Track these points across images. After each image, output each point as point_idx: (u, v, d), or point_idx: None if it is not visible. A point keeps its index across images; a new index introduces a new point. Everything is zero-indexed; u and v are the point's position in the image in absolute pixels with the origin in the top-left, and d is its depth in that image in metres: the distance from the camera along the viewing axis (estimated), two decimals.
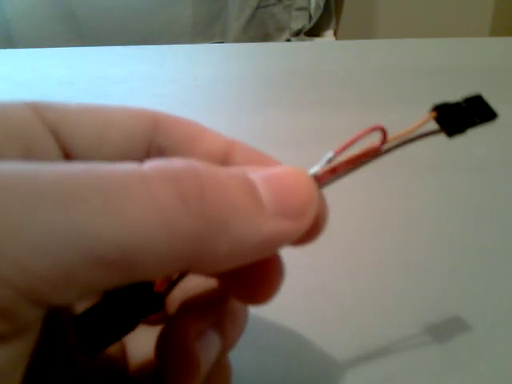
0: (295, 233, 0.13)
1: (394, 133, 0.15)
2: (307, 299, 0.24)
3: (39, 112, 0.15)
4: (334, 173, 0.14)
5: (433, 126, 0.15)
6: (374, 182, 0.32)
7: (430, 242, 0.28)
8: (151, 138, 0.17)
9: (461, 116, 0.14)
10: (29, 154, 0.15)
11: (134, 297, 0.14)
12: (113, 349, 0.17)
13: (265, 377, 0.20)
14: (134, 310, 0.14)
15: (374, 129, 0.14)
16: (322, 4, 1.49)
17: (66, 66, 0.52)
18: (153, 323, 0.18)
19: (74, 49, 0.59)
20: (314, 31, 1.55)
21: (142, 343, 0.18)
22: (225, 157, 0.17)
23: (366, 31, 1.62)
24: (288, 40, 1.50)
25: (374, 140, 0.15)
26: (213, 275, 0.17)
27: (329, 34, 1.57)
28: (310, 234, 0.15)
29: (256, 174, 0.13)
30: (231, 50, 0.62)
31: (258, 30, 1.47)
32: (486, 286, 0.25)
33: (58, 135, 0.15)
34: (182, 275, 0.15)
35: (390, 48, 0.55)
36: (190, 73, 0.50)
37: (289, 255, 0.22)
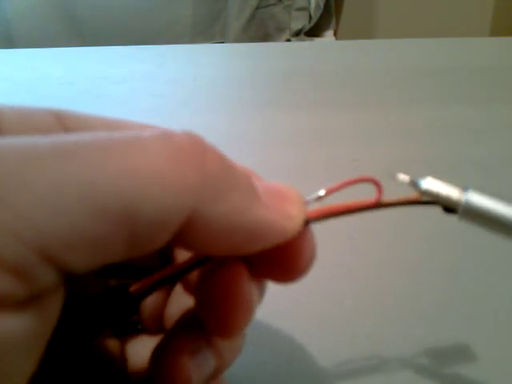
0: (285, 230, 0.14)
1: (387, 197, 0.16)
2: (307, 299, 0.24)
3: (61, 120, 0.16)
4: (323, 213, 0.15)
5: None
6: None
7: (430, 242, 0.28)
8: None
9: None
10: None
11: (108, 299, 0.14)
12: (112, 352, 0.17)
13: (265, 377, 0.20)
14: (106, 313, 0.14)
15: (368, 180, 0.16)
16: (321, 4, 1.49)
17: (66, 66, 0.52)
18: (153, 333, 0.18)
19: (74, 49, 0.59)
20: (314, 31, 1.55)
21: (141, 349, 0.18)
22: None
23: (366, 31, 1.62)
24: (288, 40, 1.50)
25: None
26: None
27: (329, 34, 1.57)
28: (298, 267, 0.15)
29: (256, 180, 0.14)
30: (231, 50, 0.62)
31: (258, 29, 1.47)
32: (486, 285, 0.25)
33: None
34: (163, 280, 0.15)
35: (390, 48, 0.55)
36: (190, 73, 0.50)
37: None
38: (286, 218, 0.14)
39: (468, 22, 1.47)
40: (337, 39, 1.57)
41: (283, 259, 0.15)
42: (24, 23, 1.33)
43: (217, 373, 0.16)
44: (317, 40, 1.53)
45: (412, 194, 0.16)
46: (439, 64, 0.52)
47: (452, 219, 0.29)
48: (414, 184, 0.16)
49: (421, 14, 1.47)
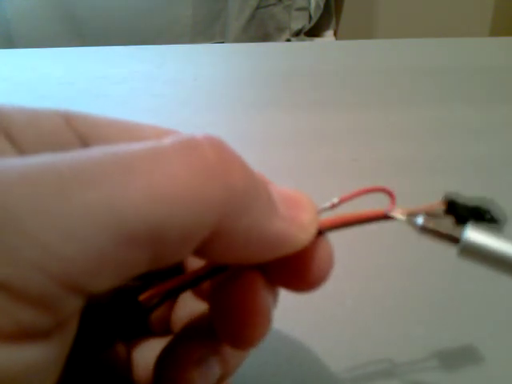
0: (300, 241, 0.14)
1: (403, 204, 0.16)
2: (307, 299, 0.24)
3: (70, 122, 0.15)
4: (337, 222, 0.15)
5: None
6: (374, 182, 0.32)
7: (431, 242, 0.28)
8: None
9: (466, 214, 0.16)
10: None
11: (118, 310, 0.14)
12: (118, 356, 0.17)
13: (265, 377, 0.20)
14: (116, 324, 0.14)
15: (381, 190, 0.16)
16: (321, 4, 1.49)
17: (66, 66, 0.52)
18: (159, 335, 0.18)
19: (74, 49, 0.59)
20: (314, 31, 1.55)
21: (147, 353, 0.17)
22: None
23: (366, 31, 1.62)
24: (288, 40, 1.50)
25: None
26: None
27: (329, 34, 1.57)
28: (313, 277, 0.15)
29: (270, 185, 0.14)
30: (231, 50, 0.62)
31: (258, 29, 1.47)
32: (486, 286, 0.25)
33: (87, 146, 0.15)
34: (176, 290, 0.15)
35: (390, 48, 0.55)
36: (190, 73, 0.50)
37: None
38: (300, 227, 0.14)
39: (468, 22, 1.47)
40: (337, 39, 1.57)
41: (297, 268, 0.15)
42: (24, 23, 1.33)
43: (222, 380, 0.16)
44: (317, 40, 1.53)
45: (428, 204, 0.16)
46: (439, 64, 0.52)
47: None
48: (411, 222, 0.16)
49: (421, 14, 1.47)
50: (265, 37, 1.48)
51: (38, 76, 0.49)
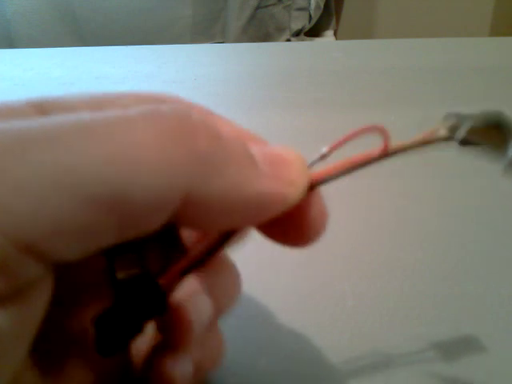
0: (287, 198, 0.13)
1: (396, 140, 0.15)
2: (308, 300, 0.24)
3: (44, 111, 0.15)
4: (330, 172, 0.15)
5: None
6: (374, 182, 0.32)
7: (431, 242, 0.28)
8: None
9: (476, 134, 0.14)
10: None
11: (141, 296, 0.14)
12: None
13: (265, 377, 0.20)
14: (141, 311, 0.14)
15: (372, 129, 0.14)
16: (321, 4, 1.49)
17: (66, 66, 0.52)
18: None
19: (74, 49, 0.59)
20: (314, 31, 1.55)
21: (143, 336, 0.18)
22: None
23: (366, 31, 1.62)
24: (288, 40, 1.50)
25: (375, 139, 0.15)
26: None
27: (329, 34, 1.57)
28: (307, 229, 0.15)
29: (253, 147, 0.13)
30: (231, 49, 0.62)
31: (258, 30, 1.47)
32: (486, 286, 0.25)
33: None
34: (186, 270, 0.15)
35: (390, 48, 0.55)
36: (190, 73, 0.50)
37: (290, 256, 0.22)
38: (287, 184, 0.13)
39: (468, 22, 1.47)
40: (337, 39, 1.57)
41: (291, 224, 0.14)
42: (24, 23, 1.33)
43: (214, 318, 0.16)
44: (317, 40, 1.53)
45: (421, 134, 0.14)
46: (439, 64, 0.52)
47: (453, 223, 0.29)
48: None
49: (421, 14, 1.47)
50: (265, 37, 1.48)
51: (38, 76, 0.49)
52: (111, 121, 0.11)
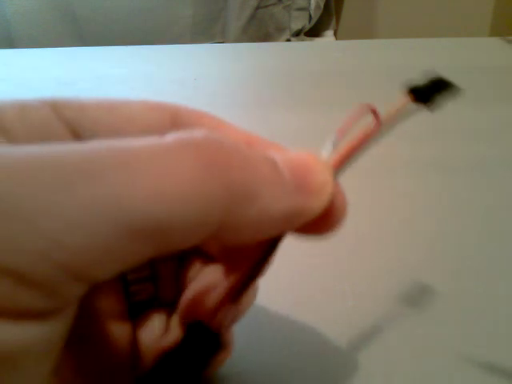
0: (313, 209, 0.14)
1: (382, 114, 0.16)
2: (308, 300, 0.24)
3: (57, 110, 0.16)
4: (342, 161, 0.15)
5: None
6: (375, 182, 0.32)
7: (431, 242, 0.28)
8: (169, 132, 0.17)
9: (432, 93, 0.16)
10: None
11: (194, 345, 0.15)
12: (123, 337, 0.18)
13: (266, 378, 0.20)
14: (198, 358, 0.15)
15: (367, 109, 0.15)
16: (321, 4, 1.49)
17: (66, 66, 0.52)
18: (167, 305, 0.19)
19: (74, 49, 0.59)
20: (314, 31, 1.54)
21: (152, 329, 0.18)
22: None
23: (366, 31, 1.62)
24: (288, 40, 1.50)
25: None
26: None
27: (329, 34, 1.57)
28: (329, 221, 0.15)
29: (275, 154, 0.14)
30: (231, 49, 0.62)
31: (258, 30, 1.47)
32: (487, 286, 0.25)
33: (76, 133, 0.16)
34: (235, 297, 0.15)
35: (390, 48, 0.55)
36: (190, 73, 0.50)
37: (290, 256, 0.22)
38: (313, 196, 0.14)
39: (468, 22, 1.47)
40: (337, 39, 1.57)
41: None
42: (24, 23, 1.33)
43: (236, 319, 0.17)
44: (317, 40, 1.53)
45: (398, 102, 0.16)
46: (439, 64, 0.52)
47: (453, 223, 0.29)
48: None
49: (421, 14, 1.47)
50: (265, 37, 1.48)
51: (38, 76, 0.49)
52: (151, 152, 0.11)
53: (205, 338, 0.15)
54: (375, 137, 0.15)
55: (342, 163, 0.15)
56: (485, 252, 0.27)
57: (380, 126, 0.15)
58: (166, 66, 0.53)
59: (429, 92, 0.16)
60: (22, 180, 0.10)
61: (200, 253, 0.18)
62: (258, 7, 1.45)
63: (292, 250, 0.19)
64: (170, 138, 0.12)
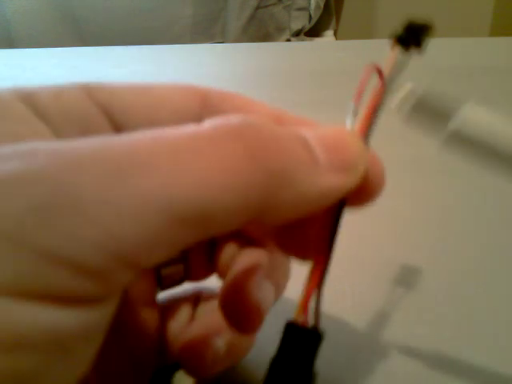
0: (348, 185, 0.14)
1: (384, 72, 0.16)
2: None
3: (91, 94, 0.16)
4: (366, 127, 0.15)
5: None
6: None
7: (431, 242, 0.28)
8: (201, 115, 0.17)
9: (416, 36, 0.17)
10: (86, 135, 0.15)
11: (298, 345, 0.15)
12: (151, 323, 0.18)
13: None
14: (306, 358, 0.15)
15: (371, 69, 0.16)
16: (321, 4, 1.49)
17: (66, 66, 0.52)
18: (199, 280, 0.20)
19: (74, 49, 0.59)
20: (313, 31, 1.55)
21: (179, 319, 0.19)
22: None
23: (366, 31, 1.62)
24: (288, 40, 1.50)
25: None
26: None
27: (329, 33, 1.57)
28: (368, 190, 0.15)
29: (308, 133, 0.14)
30: (231, 49, 0.62)
31: (258, 30, 1.47)
32: (487, 287, 0.25)
33: (110, 116, 0.16)
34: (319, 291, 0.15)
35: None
36: (190, 73, 0.50)
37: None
38: (348, 172, 0.14)
39: (468, 22, 1.47)
40: (337, 39, 1.57)
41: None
42: (24, 23, 1.33)
43: (274, 302, 0.17)
44: (317, 40, 1.53)
45: (390, 55, 0.17)
46: (439, 64, 0.52)
47: (453, 223, 0.29)
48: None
49: (421, 14, 1.47)
50: (265, 37, 1.48)
51: (38, 76, 0.49)
52: (194, 142, 0.12)
53: (305, 335, 0.15)
54: (385, 95, 0.16)
55: (367, 129, 0.15)
56: (486, 252, 0.27)
57: (385, 83, 0.16)
58: (166, 66, 0.53)
59: (411, 36, 0.17)
60: (78, 173, 0.10)
61: (234, 235, 0.19)
62: (258, 7, 1.45)
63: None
64: (208, 125, 0.12)
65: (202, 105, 0.17)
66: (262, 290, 0.16)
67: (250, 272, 0.16)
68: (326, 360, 0.21)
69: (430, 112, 0.16)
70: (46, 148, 0.11)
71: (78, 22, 1.36)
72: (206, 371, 0.17)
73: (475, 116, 0.14)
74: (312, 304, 0.15)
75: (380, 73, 0.16)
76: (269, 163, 0.12)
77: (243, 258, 0.18)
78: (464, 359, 0.21)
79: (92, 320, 0.11)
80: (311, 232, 0.16)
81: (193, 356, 0.16)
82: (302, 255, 0.17)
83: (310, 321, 0.15)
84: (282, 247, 0.18)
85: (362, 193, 0.15)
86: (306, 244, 0.17)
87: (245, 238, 0.19)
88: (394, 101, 0.16)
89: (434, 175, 0.34)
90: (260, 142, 0.12)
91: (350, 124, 0.15)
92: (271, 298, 0.17)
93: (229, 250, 0.19)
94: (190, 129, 0.12)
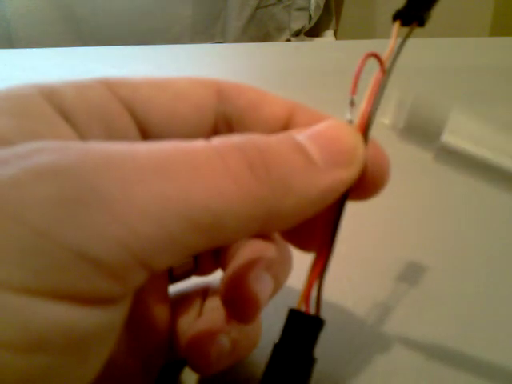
0: (349, 178, 0.14)
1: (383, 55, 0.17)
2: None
3: (113, 90, 0.16)
4: (367, 117, 0.15)
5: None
6: None
7: (431, 242, 0.28)
8: (217, 107, 0.18)
9: (415, 11, 0.17)
10: (110, 131, 0.16)
11: (300, 331, 0.15)
12: (161, 319, 0.19)
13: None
14: (307, 343, 0.15)
15: (369, 56, 0.16)
16: (321, 4, 1.49)
17: (66, 66, 0.52)
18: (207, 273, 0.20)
19: (74, 49, 0.59)
20: (313, 31, 1.54)
21: (189, 315, 0.19)
22: (288, 118, 0.18)
23: (365, 31, 1.62)
24: (288, 40, 1.50)
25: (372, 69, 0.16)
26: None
27: (329, 33, 1.57)
28: (372, 182, 0.16)
29: (301, 135, 0.14)
30: (231, 50, 0.62)
31: (258, 30, 1.47)
32: (487, 287, 0.25)
33: (132, 112, 0.16)
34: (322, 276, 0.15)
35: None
36: (190, 73, 0.50)
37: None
38: (345, 168, 0.14)
39: (468, 22, 1.47)
40: (337, 39, 1.57)
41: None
42: (24, 23, 1.33)
43: (273, 293, 0.18)
44: (317, 40, 1.53)
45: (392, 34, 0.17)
46: (439, 64, 0.52)
47: (453, 222, 0.29)
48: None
49: None
50: (265, 37, 1.48)
51: (38, 76, 0.49)
52: (207, 155, 0.12)
53: (307, 321, 0.15)
54: (386, 78, 0.16)
55: (368, 119, 0.15)
56: (486, 251, 0.27)
57: (384, 66, 0.16)
58: (166, 66, 0.53)
59: (412, 11, 0.17)
60: (106, 173, 0.11)
61: None
62: (257, 7, 1.45)
63: (291, 249, 0.19)
64: (215, 141, 0.13)
65: (218, 98, 0.18)
66: (260, 282, 0.16)
67: (250, 264, 0.17)
68: (325, 359, 0.21)
69: (421, 125, 0.16)
70: (76, 147, 0.11)
71: (78, 22, 1.36)
72: (210, 368, 0.17)
73: (460, 129, 0.15)
74: (314, 294, 0.15)
75: (378, 58, 0.16)
76: (269, 174, 0.13)
77: (245, 250, 0.18)
78: (466, 356, 0.21)
79: (107, 320, 0.11)
80: (314, 225, 0.16)
81: (197, 353, 0.17)
82: (306, 247, 0.18)
83: (312, 310, 0.15)
84: (286, 238, 0.19)
85: (367, 184, 0.15)
86: (309, 236, 0.17)
87: None
88: (387, 116, 0.16)
89: (434, 175, 0.34)
90: (260, 156, 0.13)
91: (349, 115, 0.16)
92: (269, 290, 0.17)
93: (235, 244, 0.19)
94: (201, 144, 0.13)
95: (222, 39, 1.47)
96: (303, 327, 0.15)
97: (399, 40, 0.17)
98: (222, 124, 0.18)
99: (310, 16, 1.50)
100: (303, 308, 0.15)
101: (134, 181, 0.11)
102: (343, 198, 0.15)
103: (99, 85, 0.16)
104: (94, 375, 0.12)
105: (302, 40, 1.49)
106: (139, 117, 0.17)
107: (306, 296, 0.15)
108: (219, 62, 0.55)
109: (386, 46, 0.17)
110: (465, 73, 0.50)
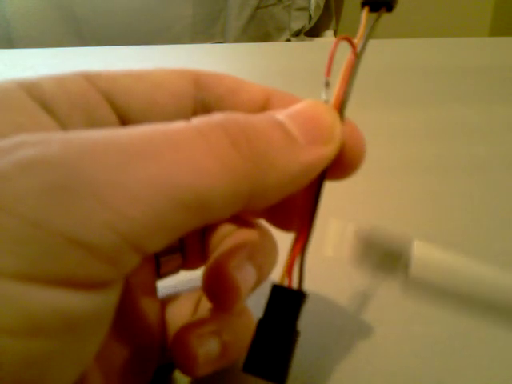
0: (328, 155, 0.15)
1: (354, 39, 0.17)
2: (307, 299, 0.24)
3: (92, 81, 0.17)
4: (341, 96, 0.16)
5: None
6: (374, 182, 0.32)
7: (430, 242, 0.28)
8: (195, 95, 0.18)
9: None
10: (91, 121, 0.16)
11: (283, 305, 0.15)
12: (152, 314, 0.19)
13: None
14: (290, 316, 0.15)
15: (341, 39, 0.16)
16: (321, 4, 1.49)
17: (66, 66, 0.52)
18: (194, 266, 0.20)
19: (74, 49, 0.59)
20: (314, 31, 1.55)
21: (178, 309, 0.19)
22: (265, 102, 0.19)
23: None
24: (288, 40, 1.50)
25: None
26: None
27: (329, 34, 1.57)
28: (349, 161, 0.16)
29: (280, 114, 0.15)
30: (231, 49, 0.62)
31: (258, 30, 1.47)
32: (487, 286, 0.25)
33: (112, 102, 0.17)
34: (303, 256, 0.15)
35: (390, 48, 0.55)
36: None
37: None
38: (325, 144, 0.15)
39: (468, 22, 1.47)
40: None
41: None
42: (24, 23, 1.33)
43: (257, 284, 0.18)
44: (317, 40, 1.53)
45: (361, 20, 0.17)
46: (439, 64, 0.52)
47: (452, 223, 0.29)
48: None
49: (421, 14, 1.47)
50: (265, 37, 1.48)
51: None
52: (189, 135, 0.13)
53: (290, 295, 0.15)
54: (358, 61, 0.17)
55: (343, 99, 0.16)
56: (486, 250, 0.27)
57: (356, 49, 0.17)
58: (165, 66, 0.53)
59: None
60: (91, 159, 0.11)
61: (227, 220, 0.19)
62: (257, 7, 1.45)
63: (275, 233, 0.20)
64: (196, 121, 0.13)
65: (196, 86, 0.18)
66: (242, 271, 0.17)
67: (231, 252, 0.17)
68: (325, 358, 0.21)
69: (378, 254, 0.17)
70: (59, 137, 0.11)
71: (78, 22, 1.36)
72: (197, 371, 0.16)
73: (424, 259, 0.15)
74: (296, 271, 0.16)
75: (350, 41, 0.17)
76: (251, 149, 0.13)
77: (228, 240, 0.18)
78: (462, 356, 0.21)
79: (102, 304, 0.11)
80: (294, 205, 0.17)
81: (184, 356, 0.16)
82: (287, 226, 0.18)
83: (295, 285, 0.16)
84: (267, 219, 0.19)
85: (344, 162, 0.16)
86: (289, 216, 0.18)
87: (235, 219, 0.19)
88: (328, 248, 0.17)
89: (434, 175, 0.34)
90: (242, 133, 0.13)
91: (324, 96, 0.16)
92: (252, 279, 0.17)
93: (219, 234, 0.19)
94: (181, 124, 0.13)
95: (222, 39, 1.47)
96: (286, 301, 0.16)
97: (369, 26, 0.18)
98: (201, 112, 0.18)
99: (310, 16, 1.50)
100: (286, 283, 0.16)
101: (117, 165, 0.11)
102: (322, 176, 0.16)
103: (78, 77, 0.17)
104: (90, 359, 0.12)
105: (302, 40, 1.49)
106: (119, 107, 0.17)
107: (289, 272, 0.16)
108: (219, 61, 0.55)
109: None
110: (465, 73, 0.50)
